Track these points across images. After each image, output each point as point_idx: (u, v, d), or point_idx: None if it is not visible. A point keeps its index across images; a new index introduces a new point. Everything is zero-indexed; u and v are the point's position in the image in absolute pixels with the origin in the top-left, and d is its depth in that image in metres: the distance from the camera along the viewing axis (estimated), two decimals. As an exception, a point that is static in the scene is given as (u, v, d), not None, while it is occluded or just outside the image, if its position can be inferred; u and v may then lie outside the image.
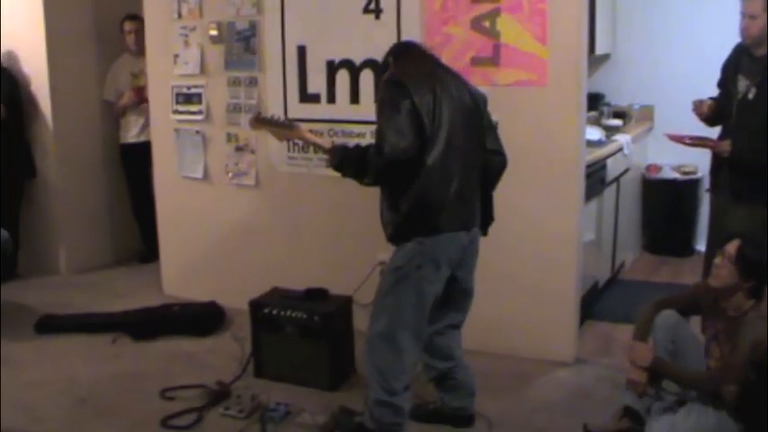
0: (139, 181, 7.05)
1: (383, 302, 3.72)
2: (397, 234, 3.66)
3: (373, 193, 3.76)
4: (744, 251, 3.54)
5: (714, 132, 4.91)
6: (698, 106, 4.91)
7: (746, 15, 4.54)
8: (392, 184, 3.60)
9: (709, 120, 4.92)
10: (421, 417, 4.10)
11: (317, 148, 4.04)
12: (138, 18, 6.71)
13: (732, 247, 3.58)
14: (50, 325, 5.65)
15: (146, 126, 6.80)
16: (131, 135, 7.02)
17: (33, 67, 6.74)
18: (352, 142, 5.12)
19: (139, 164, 6.91)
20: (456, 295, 3.85)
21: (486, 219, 3.85)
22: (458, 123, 3.60)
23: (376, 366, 3.73)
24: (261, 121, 4.16)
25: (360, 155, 3.63)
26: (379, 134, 3.52)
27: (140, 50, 6.71)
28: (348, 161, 3.69)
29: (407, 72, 3.64)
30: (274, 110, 5.48)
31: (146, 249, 7.18)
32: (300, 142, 5.33)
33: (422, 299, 3.66)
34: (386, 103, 3.56)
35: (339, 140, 5.22)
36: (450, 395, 4.06)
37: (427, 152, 3.52)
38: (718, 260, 3.64)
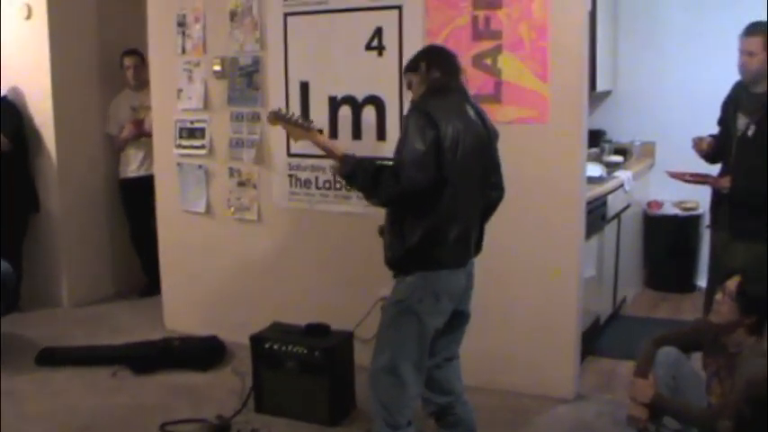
0: (139, 215, 7.05)
1: (385, 336, 3.70)
2: (397, 263, 3.65)
3: (374, 230, 3.77)
4: (744, 287, 3.55)
5: (715, 170, 4.93)
6: (697, 143, 4.94)
7: (745, 53, 4.58)
8: (401, 210, 3.58)
9: (709, 156, 4.95)
10: None
11: (329, 154, 3.91)
12: (136, 53, 6.81)
13: (732, 283, 3.59)
14: (51, 358, 5.64)
15: (145, 160, 6.88)
16: (131, 170, 7.04)
17: (38, 101, 6.77)
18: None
19: (139, 198, 6.93)
20: (454, 323, 3.82)
21: (476, 249, 3.84)
22: (473, 161, 3.59)
23: (380, 401, 3.70)
24: (279, 118, 4.12)
25: (373, 172, 3.59)
26: (400, 162, 3.48)
27: (140, 85, 6.79)
28: (360, 174, 3.64)
29: (437, 102, 3.57)
30: (277, 145, 5.53)
31: (146, 282, 7.17)
32: (303, 177, 5.37)
33: (423, 331, 3.64)
34: (411, 132, 3.49)
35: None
36: (450, 431, 4.05)
37: (442, 188, 3.51)
38: (718, 296, 3.65)
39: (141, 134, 6.82)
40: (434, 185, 3.48)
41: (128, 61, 6.90)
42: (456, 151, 3.50)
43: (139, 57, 6.79)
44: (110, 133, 7.05)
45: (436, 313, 3.66)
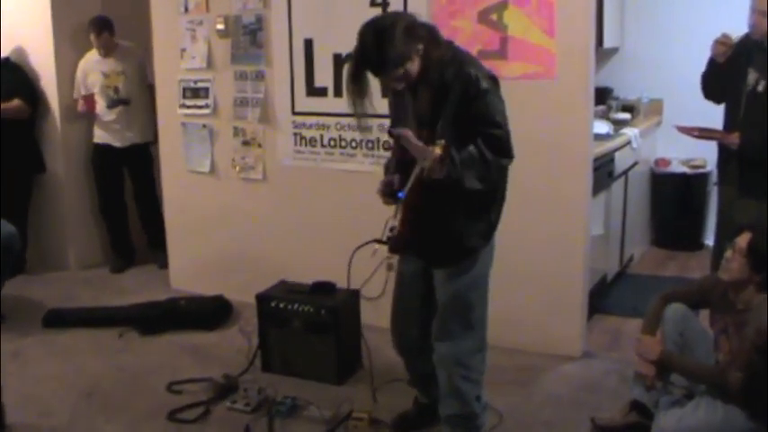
0: (108, 186, 6.93)
1: (468, 319, 3.57)
2: (479, 244, 3.49)
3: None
4: (755, 244, 3.52)
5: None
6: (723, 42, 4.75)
7: (757, 11, 4.50)
8: (489, 191, 3.40)
9: (721, 66, 4.79)
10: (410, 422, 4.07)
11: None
12: (102, 26, 6.55)
13: (743, 240, 3.56)
14: (58, 319, 5.66)
15: (123, 130, 6.73)
16: (97, 135, 6.83)
17: (41, 62, 6.75)
18: (365, 136, 5.15)
19: (109, 168, 6.85)
20: None
21: None
22: None
23: (473, 382, 3.63)
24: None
25: (479, 157, 3.23)
26: (500, 137, 3.27)
27: (109, 52, 6.64)
28: (469, 163, 3.22)
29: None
30: (281, 103, 5.50)
31: (113, 258, 7.07)
32: (308, 136, 5.35)
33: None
34: (496, 101, 3.29)
35: (346, 134, 5.25)
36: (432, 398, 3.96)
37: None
38: (728, 253, 3.62)
39: (93, 109, 6.62)
40: None
41: (95, 41, 6.59)
42: None
43: (107, 30, 6.56)
44: (76, 99, 6.78)
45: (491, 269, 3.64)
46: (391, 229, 3.35)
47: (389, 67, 3.24)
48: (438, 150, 3.08)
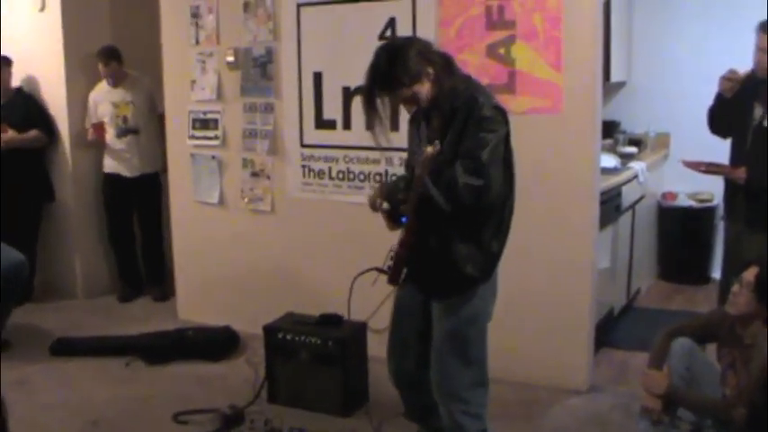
0: (117, 214, 6.95)
1: (470, 354, 3.55)
2: (479, 276, 3.44)
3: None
4: (762, 278, 3.53)
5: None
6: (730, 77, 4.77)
7: (760, 49, 4.53)
8: (475, 216, 3.37)
9: (727, 101, 4.80)
10: None
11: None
12: (110, 56, 6.59)
13: (750, 274, 3.57)
14: (65, 348, 5.67)
15: (131, 159, 6.76)
16: (107, 165, 6.86)
17: (52, 92, 6.81)
18: (373, 169, 5.18)
19: (117, 197, 6.87)
20: None
21: None
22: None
23: (474, 416, 3.58)
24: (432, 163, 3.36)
25: (448, 175, 3.26)
26: (481, 170, 3.22)
27: (118, 82, 6.68)
28: (435, 181, 3.29)
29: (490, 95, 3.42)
30: (290, 135, 5.54)
31: (121, 286, 7.07)
32: (317, 168, 5.38)
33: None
34: (490, 131, 3.26)
35: (354, 167, 5.27)
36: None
37: (511, 188, 3.43)
38: (735, 288, 3.62)
39: (102, 137, 6.65)
40: (504, 184, 3.37)
41: (104, 71, 6.63)
42: (511, 146, 3.41)
43: (115, 60, 6.60)
44: (87, 128, 6.81)
45: (493, 307, 3.62)
46: (392, 258, 3.43)
47: (398, 85, 3.32)
48: (430, 149, 3.19)
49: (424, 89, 3.34)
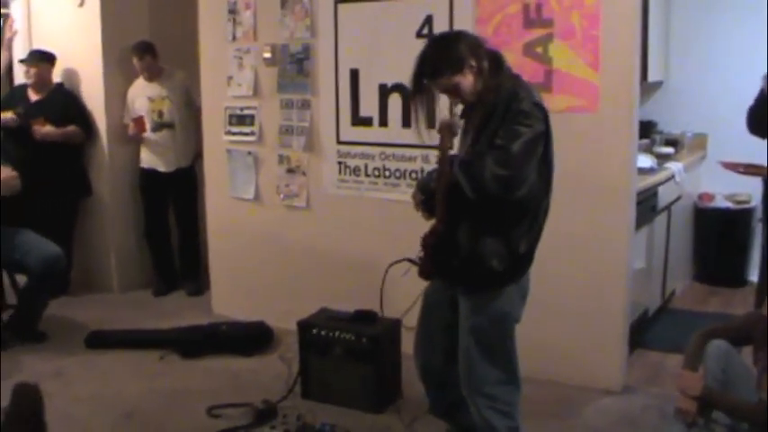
0: (153, 210, 7.02)
1: (495, 353, 3.56)
2: (505, 273, 3.43)
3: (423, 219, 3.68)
4: None
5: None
6: None
7: None
8: (504, 211, 3.37)
9: None
10: None
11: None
12: (145, 50, 6.64)
13: None
14: (100, 341, 5.72)
15: (167, 154, 6.83)
16: (145, 161, 6.92)
17: (90, 87, 6.87)
18: (409, 167, 5.18)
19: (154, 192, 6.94)
20: None
21: None
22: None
23: (500, 413, 3.58)
24: (450, 130, 3.42)
25: (475, 160, 3.30)
26: (510, 161, 3.22)
27: (154, 76, 6.75)
28: (463, 166, 3.32)
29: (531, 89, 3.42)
30: (326, 132, 5.55)
31: (157, 282, 7.12)
32: (352, 165, 5.38)
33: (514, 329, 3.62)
34: (525, 125, 3.26)
35: (390, 164, 5.27)
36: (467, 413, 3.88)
37: (547, 187, 3.44)
38: None
39: (143, 131, 6.71)
40: (540, 184, 3.38)
41: (138, 64, 6.69)
42: (552, 146, 3.42)
43: (149, 54, 6.65)
44: (126, 123, 6.89)
45: (521, 311, 3.62)
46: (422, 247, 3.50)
47: (439, 73, 3.36)
48: (448, 118, 3.37)
49: (467, 81, 3.37)
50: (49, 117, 6.51)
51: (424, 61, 3.39)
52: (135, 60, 6.67)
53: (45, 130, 6.47)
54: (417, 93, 3.47)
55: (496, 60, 3.45)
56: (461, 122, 3.42)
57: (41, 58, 6.62)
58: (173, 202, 7.00)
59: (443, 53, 3.37)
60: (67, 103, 6.75)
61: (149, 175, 6.89)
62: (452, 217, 3.41)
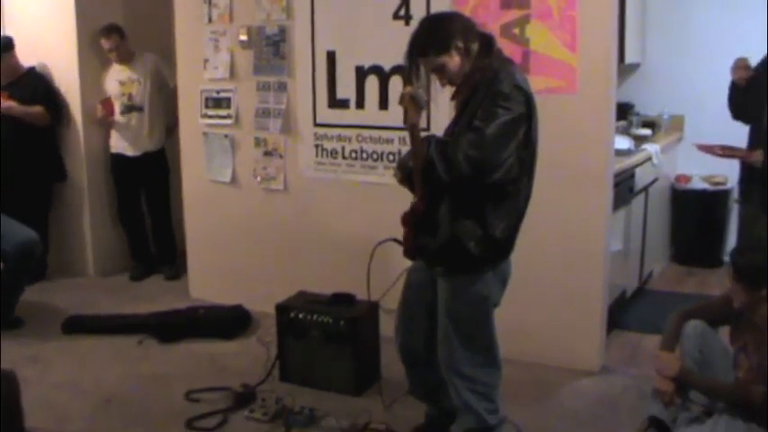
0: (126, 194, 6.99)
1: (473, 336, 3.57)
2: (481, 256, 3.42)
3: (402, 199, 3.66)
4: (737, 265, 3.53)
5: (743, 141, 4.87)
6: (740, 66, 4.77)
7: None
8: (482, 193, 3.37)
9: (743, 89, 4.79)
10: None
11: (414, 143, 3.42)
12: (113, 32, 6.58)
13: (731, 268, 3.57)
14: (77, 326, 5.68)
15: (137, 139, 6.78)
16: (113, 146, 6.89)
17: (64, 72, 6.81)
18: (386, 149, 5.17)
19: (126, 176, 6.90)
20: None
21: None
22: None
23: (479, 395, 3.60)
24: (415, 102, 3.34)
25: (444, 143, 3.32)
26: (482, 143, 3.20)
27: (125, 59, 6.69)
28: (435, 146, 3.31)
29: (520, 74, 3.42)
30: (303, 114, 5.52)
31: (134, 266, 7.09)
32: (329, 147, 5.36)
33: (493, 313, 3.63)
34: (503, 108, 3.24)
35: (367, 146, 5.26)
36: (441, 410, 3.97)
37: (528, 172, 3.43)
38: (730, 283, 3.62)
39: (111, 114, 6.67)
40: (520, 168, 3.36)
41: (106, 44, 6.61)
42: (536, 130, 3.42)
43: (115, 34, 6.58)
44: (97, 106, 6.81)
45: (500, 296, 3.63)
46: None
47: (430, 51, 3.36)
48: (408, 88, 3.33)
49: (453, 62, 3.37)
50: (14, 96, 6.46)
51: (414, 40, 3.41)
52: (102, 41, 6.61)
53: (7, 103, 6.41)
54: (410, 71, 3.48)
55: (487, 43, 3.46)
56: (424, 94, 3.39)
57: None
58: (143, 187, 6.95)
59: (431, 33, 3.39)
60: (36, 85, 6.67)
61: (119, 160, 6.85)
62: (433, 196, 3.41)
